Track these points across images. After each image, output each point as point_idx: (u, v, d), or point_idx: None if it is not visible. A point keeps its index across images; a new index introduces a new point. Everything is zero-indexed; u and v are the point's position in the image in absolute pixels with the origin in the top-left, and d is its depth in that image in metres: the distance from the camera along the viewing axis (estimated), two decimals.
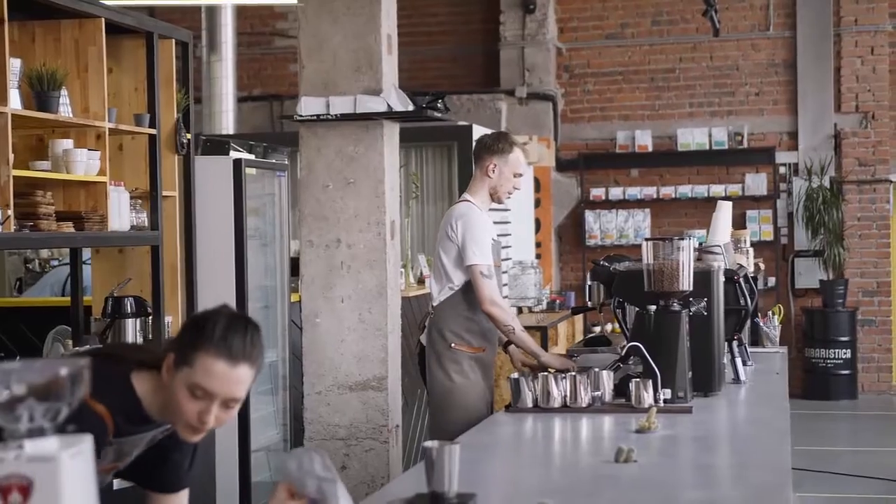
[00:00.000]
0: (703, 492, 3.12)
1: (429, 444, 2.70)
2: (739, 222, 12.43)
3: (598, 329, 10.93)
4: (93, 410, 2.59)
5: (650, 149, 12.99)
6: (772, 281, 12.65)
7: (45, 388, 1.73)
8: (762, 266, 9.88)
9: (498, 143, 5.34)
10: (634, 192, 12.98)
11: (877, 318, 12.74)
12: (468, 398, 5.20)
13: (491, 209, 9.65)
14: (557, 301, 10.76)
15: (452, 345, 5.21)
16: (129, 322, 5.46)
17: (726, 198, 12.45)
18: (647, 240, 4.45)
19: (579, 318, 11.02)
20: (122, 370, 2.71)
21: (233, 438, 6.30)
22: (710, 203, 6.04)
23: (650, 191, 12.95)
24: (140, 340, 5.55)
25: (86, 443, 1.73)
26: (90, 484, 1.75)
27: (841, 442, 10.61)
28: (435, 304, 5.32)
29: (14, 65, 4.74)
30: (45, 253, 8.78)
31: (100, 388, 2.56)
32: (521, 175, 5.37)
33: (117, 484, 4.45)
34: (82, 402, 2.49)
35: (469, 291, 5.18)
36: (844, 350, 12.33)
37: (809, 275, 12.69)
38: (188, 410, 2.59)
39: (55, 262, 8.43)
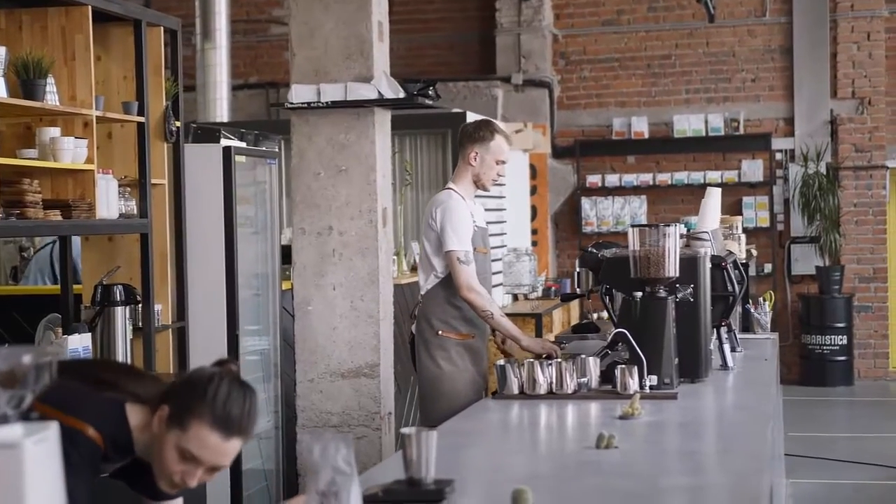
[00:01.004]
0: (682, 477, 3.12)
1: (406, 430, 2.71)
2: (735, 209, 12.43)
3: (594, 316, 10.94)
4: (88, 437, 2.61)
5: (646, 135, 12.99)
6: (768, 267, 12.65)
7: (8, 376, 1.74)
8: (754, 252, 9.88)
9: (479, 131, 5.34)
10: (631, 178, 12.97)
11: (873, 305, 12.74)
12: (456, 385, 5.22)
13: (487, 196, 9.70)
14: (553, 288, 10.76)
15: (440, 332, 5.24)
16: (119, 310, 5.45)
17: (722, 184, 12.46)
18: (633, 226, 4.46)
19: (575, 305, 11.03)
20: (118, 399, 2.71)
21: None
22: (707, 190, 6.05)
23: (646, 177, 12.94)
24: (129, 329, 5.55)
25: (51, 430, 1.74)
26: (55, 471, 1.76)
27: (837, 428, 10.62)
28: (422, 292, 5.36)
29: None
30: (39, 241, 8.76)
31: (95, 414, 2.62)
32: (503, 162, 5.37)
33: None
34: (78, 428, 2.53)
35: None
36: (841, 336, 12.34)
37: (806, 261, 12.69)
38: (173, 469, 2.62)
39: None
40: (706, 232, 5.27)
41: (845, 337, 12.36)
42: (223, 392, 2.60)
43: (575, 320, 10.70)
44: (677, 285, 4.47)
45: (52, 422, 1.78)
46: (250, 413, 2.62)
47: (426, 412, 5.32)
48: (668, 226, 4.42)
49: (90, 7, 5.24)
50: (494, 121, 5.63)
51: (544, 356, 4.95)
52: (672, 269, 4.39)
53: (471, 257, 5.18)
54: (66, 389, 2.58)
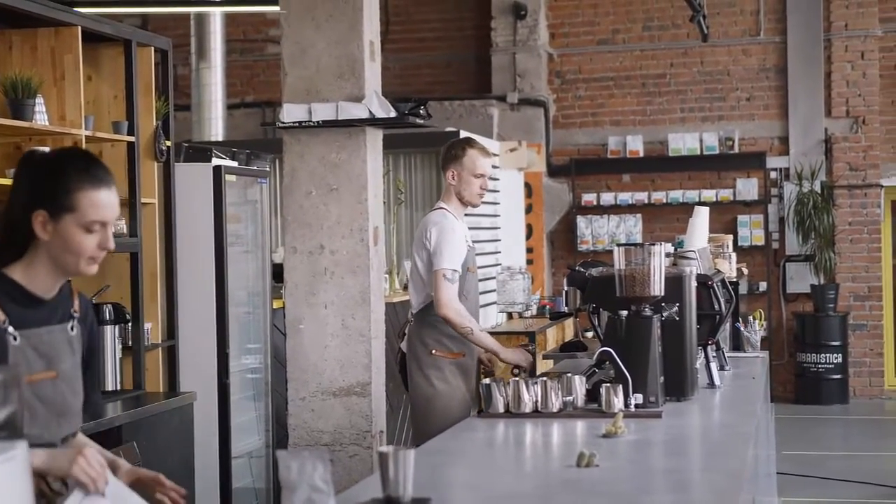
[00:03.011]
0: (661, 496, 3.13)
1: (383, 449, 2.72)
2: (730, 227, 12.47)
3: (590, 335, 10.93)
4: None
5: (641, 154, 13.02)
6: (763, 286, 12.66)
7: None
8: (745, 271, 9.89)
9: (451, 150, 5.46)
10: (626, 197, 13.00)
11: (868, 323, 12.75)
12: (450, 403, 5.26)
13: (481, 214, 9.69)
14: (548, 307, 10.77)
15: (433, 351, 5.29)
16: (108, 329, 5.47)
17: (717, 203, 12.50)
18: (618, 245, 4.47)
19: (570, 324, 11.03)
20: None
21: (213, 444, 6.31)
22: None
23: (642, 196, 12.97)
24: (119, 348, 5.56)
25: (18, 450, 1.75)
26: (23, 490, 1.77)
27: (831, 446, 10.61)
28: (414, 311, 5.42)
29: None
30: None
31: None
32: (482, 176, 5.42)
33: None
34: None
35: None
36: (836, 354, 12.34)
37: (801, 279, 12.70)
38: (87, 246, 2.75)
39: None
40: (693, 251, 5.28)
41: (840, 355, 12.37)
42: (77, 162, 2.78)
43: (570, 338, 10.70)
44: (663, 304, 4.48)
45: (19, 441, 1.79)
46: (102, 163, 2.82)
47: (420, 431, 5.34)
48: (654, 244, 4.43)
49: (80, 28, 5.27)
50: (472, 137, 5.69)
51: (524, 367, 5.05)
52: (657, 287, 4.39)
53: (457, 277, 5.24)
54: None
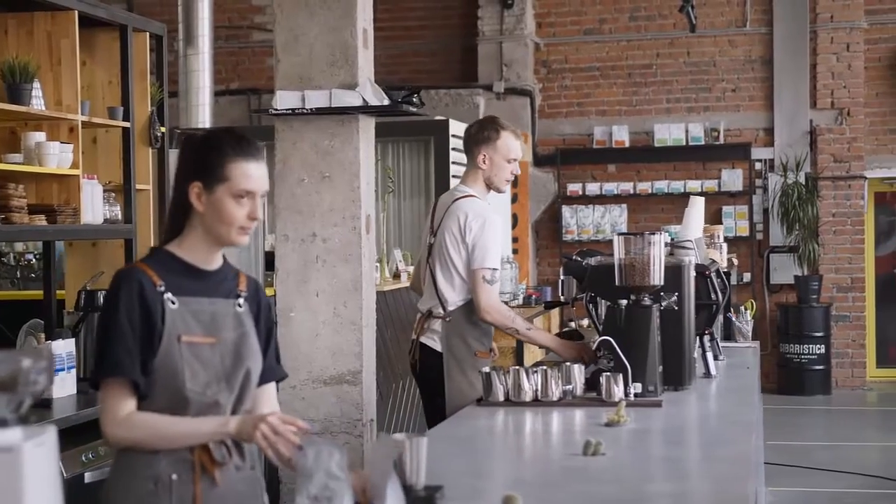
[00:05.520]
0: (667, 484, 3.14)
1: (397, 437, 2.72)
2: (715, 218, 12.51)
3: (573, 324, 10.94)
4: (132, 267, 2.93)
5: (627, 144, 13.05)
6: (747, 276, 12.72)
7: (7, 380, 1.74)
8: (735, 261, 9.94)
9: (483, 132, 5.12)
10: (611, 187, 13.03)
11: (851, 314, 12.82)
12: None
13: None
14: (534, 296, 10.78)
15: (477, 353, 5.05)
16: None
17: (702, 193, 12.53)
18: (618, 234, 4.48)
19: (556, 313, 11.05)
20: (153, 251, 3.02)
21: None
22: (687, 198, 6.07)
23: (627, 186, 13.00)
24: None
25: (49, 434, 1.74)
26: (53, 474, 1.76)
27: (815, 437, 10.68)
28: (450, 307, 5.05)
29: None
30: (19, 246, 8.72)
31: (142, 260, 2.97)
32: (514, 160, 5.13)
33: (89, 477, 4.47)
34: (126, 267, 2.92)
35: None
36: (818, 345, 12.41)
37: (784, 270, 12.76)
38: (238, 216, 2.91)
39: (30, 256, 8.37)
40: (690, 241, 5.29)
41: (823, 346, 12.44)
42: (229, 137, 2.94)
43: (556, 328, 10.71)
44: (662, 293, 4.49)
45: (50, 426, 1.78)
46: (252, 138, 2.97)
47: None
48: (653, 234, 4.44)
49: (76, 12, 5.24)
50: (499, 118, 5.43)
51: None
52: (657, 277, 4.40)
53: (496, 276, 4.98)
54: None
